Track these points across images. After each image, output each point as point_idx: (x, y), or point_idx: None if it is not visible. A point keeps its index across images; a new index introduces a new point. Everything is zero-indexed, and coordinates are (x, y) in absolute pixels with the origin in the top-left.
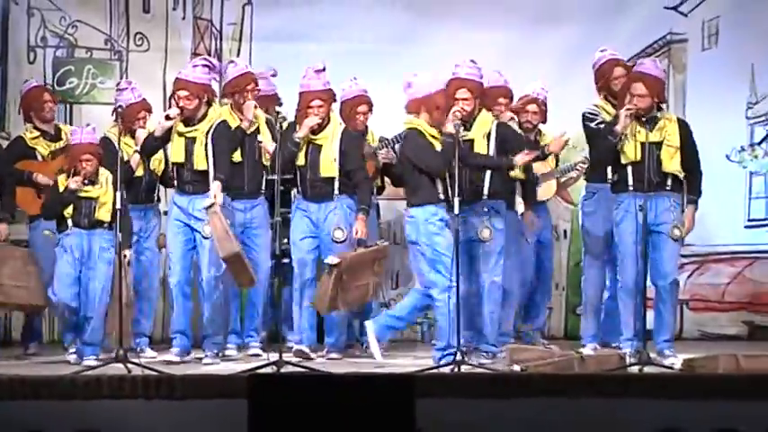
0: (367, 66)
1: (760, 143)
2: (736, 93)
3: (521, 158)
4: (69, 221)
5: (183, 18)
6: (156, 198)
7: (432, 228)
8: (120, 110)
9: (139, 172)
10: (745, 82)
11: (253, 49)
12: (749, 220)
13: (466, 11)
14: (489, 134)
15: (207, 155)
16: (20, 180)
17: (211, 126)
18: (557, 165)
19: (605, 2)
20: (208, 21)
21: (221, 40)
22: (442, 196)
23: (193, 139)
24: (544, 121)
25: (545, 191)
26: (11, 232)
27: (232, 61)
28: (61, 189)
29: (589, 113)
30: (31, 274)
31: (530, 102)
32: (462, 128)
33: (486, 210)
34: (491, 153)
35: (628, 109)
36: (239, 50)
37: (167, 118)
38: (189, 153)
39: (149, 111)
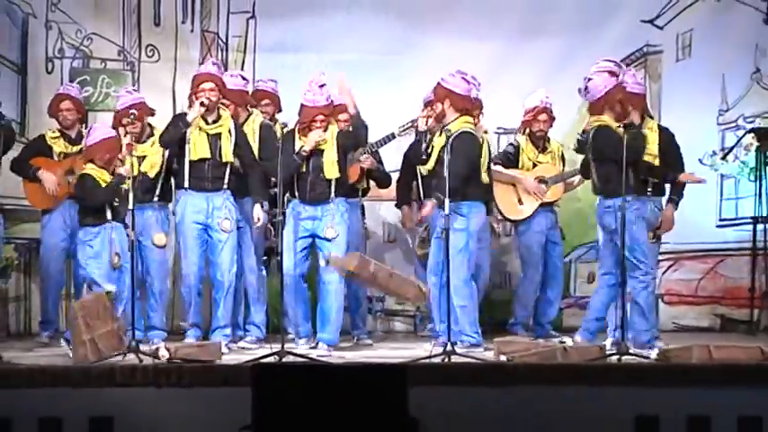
0: (364, 74)
1: (731, 149)
2: (708, 101)
3: None
4: (109, 214)
5: (192, 31)
6: (154, 197)
7: (630, 215)
8: (132, 116)
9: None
10: (716, 90)
11: (256, 59)
12: (720, 220)
13: (457, 22)
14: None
15: (232, 148)
16: (26, 174)
17: (231, 125)
18: (563, 168)
19: (587, 16)
20: (214, 33)
21: (227, 51)
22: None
23: (218, 135)
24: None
25: (553, 192)
26: (26, 231)
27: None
28: (103, 184)
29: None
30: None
31: (540, 111)
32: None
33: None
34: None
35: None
36: (244, 61)
37: (202, 105)
38: (214, 148)
39: (140, 119)
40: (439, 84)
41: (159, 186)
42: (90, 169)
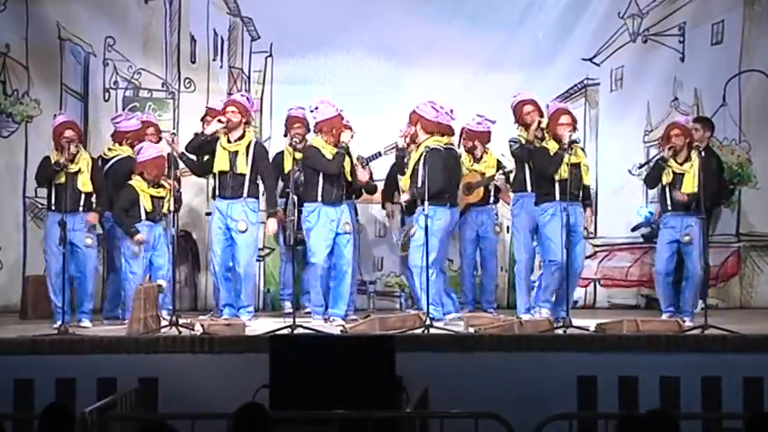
0: (358, 102)
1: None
2: (635, 123)
3: None
4: (143, 215)
5: (221, 67)
6: None
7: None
8: (173, 136)
9: None
10: (642, 115)
11: (273, 90)
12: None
13: (433, 61)
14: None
15: (246, 163)
16: None
17: (250, 143)
18: (483, 176)
19: (537, 55)
20: (239, 69)
21: (249, 83)
22: None
23: (236, 152)
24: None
25: (474, 196)
26: None
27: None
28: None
29: (512, 141)
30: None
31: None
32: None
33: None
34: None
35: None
36: (263, 91)
37: (219, 121)
38: (232, 163)
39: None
40: (413, 111)
41: None
42: (134, 182)
